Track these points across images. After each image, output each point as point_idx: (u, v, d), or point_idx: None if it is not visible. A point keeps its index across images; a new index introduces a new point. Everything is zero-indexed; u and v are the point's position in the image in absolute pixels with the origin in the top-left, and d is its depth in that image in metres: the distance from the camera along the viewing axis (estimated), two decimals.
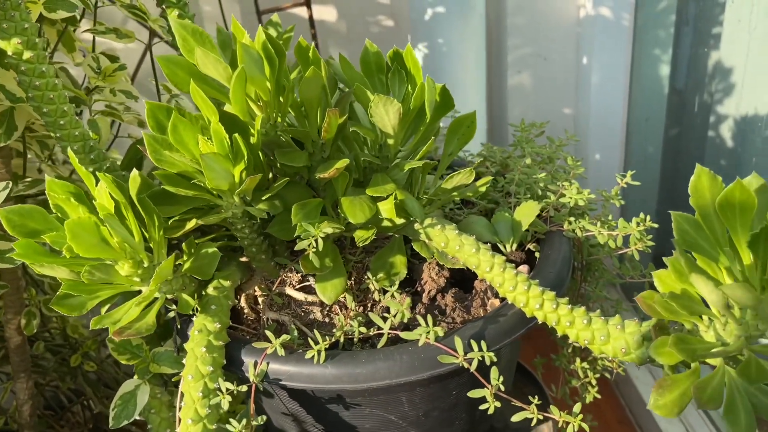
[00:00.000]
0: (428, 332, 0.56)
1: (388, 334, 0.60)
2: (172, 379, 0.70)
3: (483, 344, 0.57)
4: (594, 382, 0.81)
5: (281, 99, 0.59)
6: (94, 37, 0.73)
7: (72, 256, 0.50)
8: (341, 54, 0.63)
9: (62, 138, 0.61)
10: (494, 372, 0.56)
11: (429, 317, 0.57)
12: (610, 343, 0.56)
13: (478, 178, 0.69)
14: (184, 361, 0.63)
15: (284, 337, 0.59)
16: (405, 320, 0.60)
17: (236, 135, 0.54)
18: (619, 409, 1.35)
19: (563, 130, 1.38)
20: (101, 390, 0.99)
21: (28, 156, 0.75)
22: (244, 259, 0.68)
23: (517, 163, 0.80)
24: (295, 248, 0.59)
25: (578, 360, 0.80)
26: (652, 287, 0.79)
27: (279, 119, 0.61)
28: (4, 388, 0.99)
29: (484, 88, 1.31)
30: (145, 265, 0.57)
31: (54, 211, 0.55)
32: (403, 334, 0.58)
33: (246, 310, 0.66)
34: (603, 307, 0.77)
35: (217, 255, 0.58)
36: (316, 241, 0.58)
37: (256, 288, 0.67)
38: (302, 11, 1.28)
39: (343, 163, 0.58)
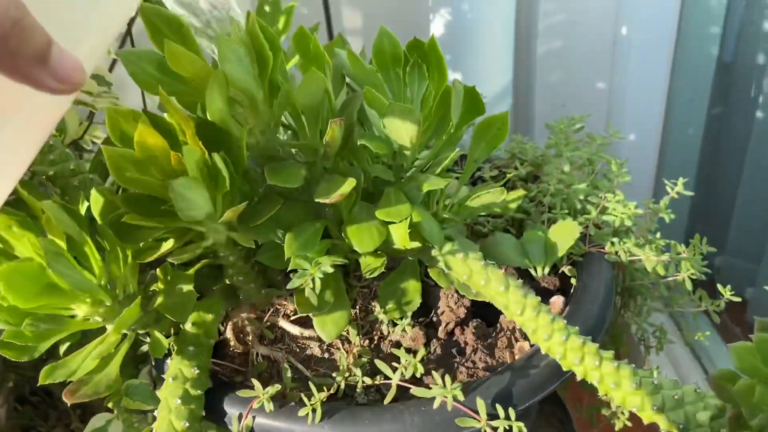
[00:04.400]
0: (446, 394, 0.47)
1: (397, 386, 0.51)
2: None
3: (510, 410, 0.47)
4: (627, 412, 0.72)
5: (274, 103, 0.48)
6: None
7: (9, 305, 0.41)
8: (348, 49, 0.51)
9: None
10: None
11: (447, 378, 0.47)
12: (664, 415, 0.46)
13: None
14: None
15: (273, 388, 0.50)
16: (418, 375, 0.50)
17: (216, 155, 0.43)
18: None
19: (596, 105, 1.25)
20: None
21: None
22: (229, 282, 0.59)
23: (551, 165, 0.69)
24: (288, 286, 0.49)
25: None
26: (706, 315, 0.69)
27: (272, 126, 0.50)
28: None
29: (511, 58, 1.18)
30: (108, 304, 0.47)
31: None
32: (416, 391, 0.49)
33: (232, 342, 0.57)
34: (645, 336, 0.67)
35: (193, 296, 0.48)
36: (313, 279, 0.48)
37: (244, 316, 0.57)
38: None
39: (348, 186, 0.48)
